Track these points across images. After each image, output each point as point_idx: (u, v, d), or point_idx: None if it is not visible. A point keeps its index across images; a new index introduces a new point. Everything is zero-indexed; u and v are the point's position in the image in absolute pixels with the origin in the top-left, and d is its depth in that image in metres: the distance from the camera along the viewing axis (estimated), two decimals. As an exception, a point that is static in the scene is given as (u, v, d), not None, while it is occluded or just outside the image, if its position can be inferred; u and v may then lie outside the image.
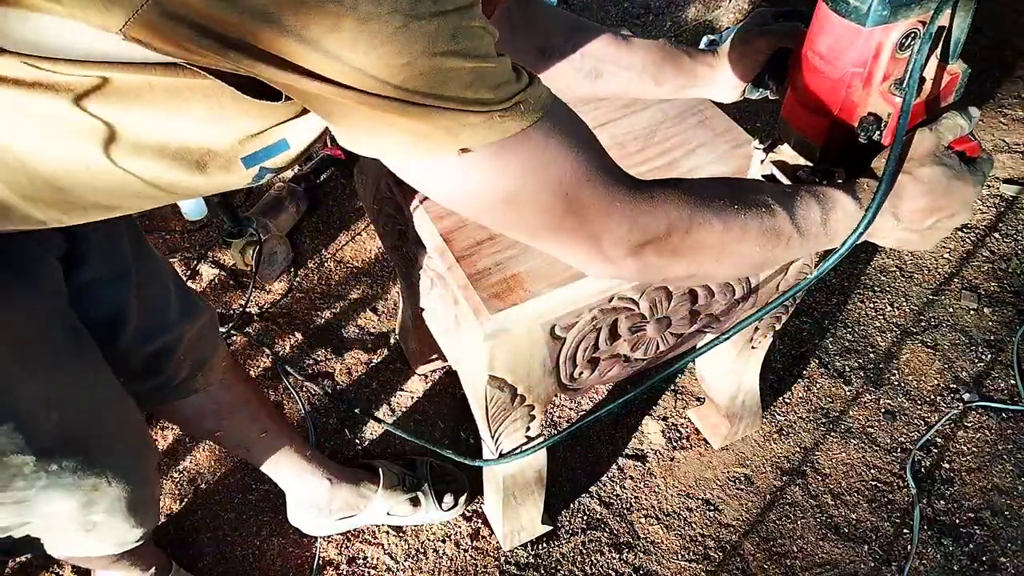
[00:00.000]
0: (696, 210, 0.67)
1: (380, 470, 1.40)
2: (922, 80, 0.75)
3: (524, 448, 1.12)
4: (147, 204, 0.70)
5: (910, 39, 0.70)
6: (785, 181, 0.85)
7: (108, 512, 0.92)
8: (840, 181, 0.79)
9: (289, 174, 2.08)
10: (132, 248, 0.95)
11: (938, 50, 0.73)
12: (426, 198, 1.02)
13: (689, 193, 0.67)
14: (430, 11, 0.49)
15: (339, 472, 1.36)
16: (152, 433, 1.54)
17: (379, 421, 1.57)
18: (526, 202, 0.61)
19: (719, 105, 1.12)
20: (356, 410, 1.59)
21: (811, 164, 0.83)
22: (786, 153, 0.86)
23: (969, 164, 0.73)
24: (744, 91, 0.94)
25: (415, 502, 1.38)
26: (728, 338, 0.85)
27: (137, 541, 1.01)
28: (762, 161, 0.88)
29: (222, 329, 1.72)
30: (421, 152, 0.55)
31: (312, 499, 1.34)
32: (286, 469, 1.29)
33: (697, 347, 1.39)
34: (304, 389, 1.62)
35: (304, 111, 0.62)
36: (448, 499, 1.39)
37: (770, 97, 0.94)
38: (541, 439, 1.15)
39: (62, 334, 0.83)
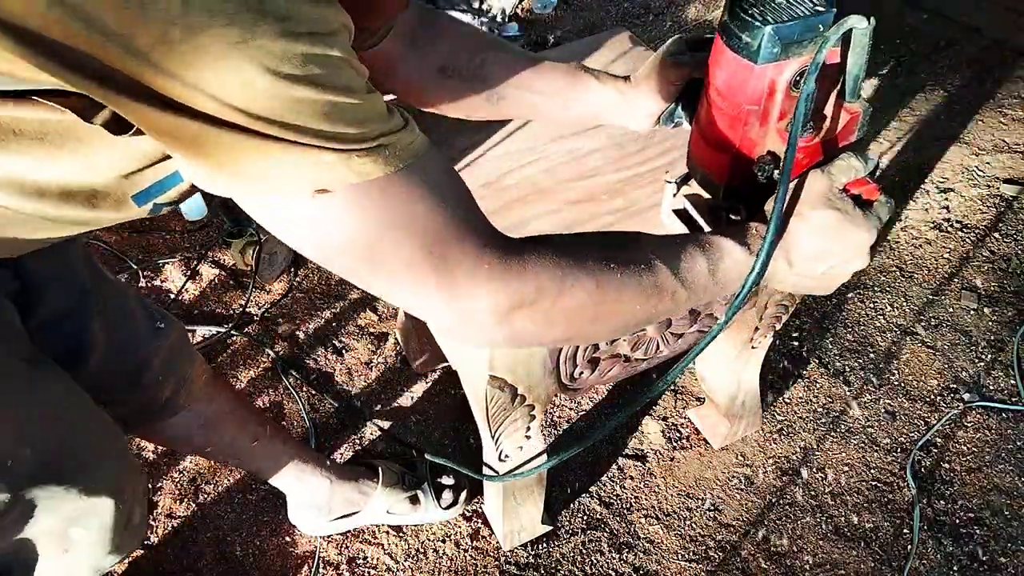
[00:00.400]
0: (568, 271, 0.63)
1: (379, 468, 1.40)
2: (823, 118, 0.73)
3: (525, 469, 1.12)
4: (67, 231, 0.68)
5: (804, 77, 0.67)
6: (696, 215, 0.83)
7: (88, 529, 0.90)
8: (737, 219, 0.78)
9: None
10: (89, 273, 0.93)
11: (837, 88, 0.72)
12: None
13: (562, 254, 0.64)
14: (274, 30, 0.44)
15: (338, 471, 1.36)
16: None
17: (380, 428, 1.57)
18: (387, 256, 0.56)
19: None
20: (356, 411, 1.59)
21: (717, 202, 0.81)
22: (699, 187, 0.84)
23: (866, 208, 0.70)
24: (659, 120, 0.92)
25: (414, 500, 1.38)
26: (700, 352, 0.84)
27: (111, 566, 0.99)
28: (674, 195, 0.86)
29: (222, 329, 1.72)
30: (271, 191, 0.51)
31: (312, 498, 1.34)
32: (284, 472, 1.28)
33: (696, 363, 1.39)
34: (304, 389, 1.62)
35: None
36: (447, 496, 1.39)
37: (685, 127, 0.91)
38: (544, 458, 1.15)
39: (24, 369, 0.80)
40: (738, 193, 0.78)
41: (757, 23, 0.66)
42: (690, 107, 0.87)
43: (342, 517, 1.36)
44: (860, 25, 0.64)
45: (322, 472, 1.32)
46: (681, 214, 0.85)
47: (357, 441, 1.55)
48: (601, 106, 0.92)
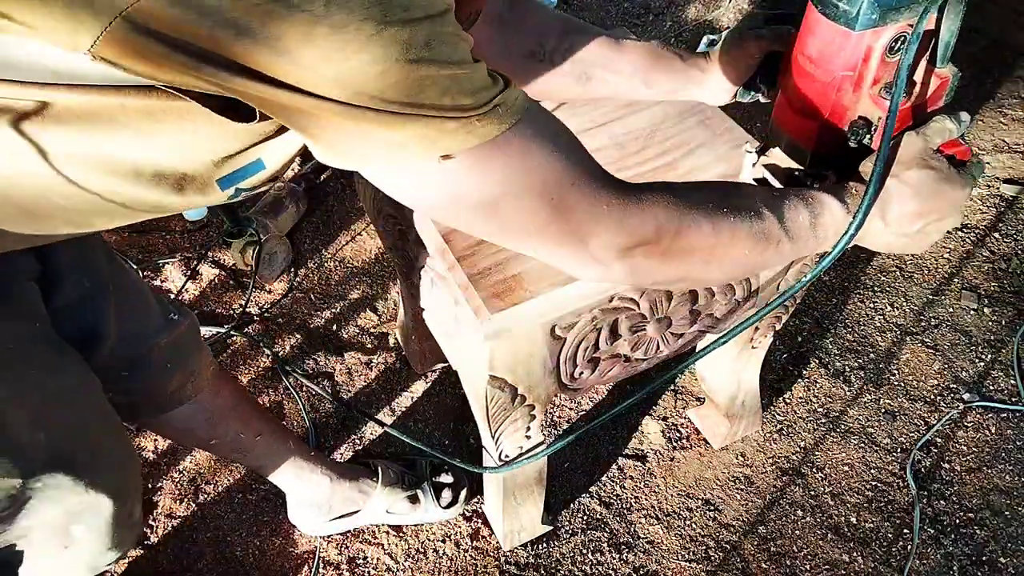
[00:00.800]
0: (685, 213, 0.67)
1: (379, 468, 1.40)
2: (912, 84, 0.74)
3: (526, 455, 1.12)
4: (118, 222, 0.70)
5: (900, 43, 0.70)
6: (777, 185, 0.85)
7: (90, 526, 0.90)
8: (830, 184, 0.79)
9: (289, 174, 2.08)
10: (106, 262, 0.94)
11: (927, 54, 0.73)
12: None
13: (678, 196, 0.67)
14: (402, 18, 0.49)
15: (338, 469, 1.36)
16: (149, 436, 1.54)
17: (380, 424, 1.57)
18: (511, 207, 0.61)
19: (720, 105, 1.12)
20: (356, 410, 1.59)
21: (802, 168, 0.83)
22: (778, 156, 0.86)
23: (959, 168, 0.73)
24: (736, 94, 0.94)
25: (414, 499, 1.38)
26: (725, 342, 0.85)
27: (108, 565, 0.99)
28: (754, 164, 0.88)
29: (221, 329, 1.72)
30: (401, 161, 0.55)
31: (312, 497, 1.34)
32: (285, 470, 1.29)
33: (697, 350, 1.39)
34: (304, 389, 1.62)
35: (280, 130, 0.61)
36: (447, 494, 1.39)
37: (761, 100, 0.94)
38: (543, 446, 1.15)
39: (46, 353, 0.82)
40: (825, 160, 0.80)
41: None
42: (767, 80, 0.89)
43: (342, 517, 1.36)
44: None
45: (322, 470, 1.32)
46: (761, 183, 0.86)
47: (357, 441, 1.55)
48: (682, 83, 0.95)
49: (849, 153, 0.77)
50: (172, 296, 1.79)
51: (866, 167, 0.74)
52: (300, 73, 0.49)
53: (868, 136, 0.75)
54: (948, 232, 1.86)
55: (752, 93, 0.93)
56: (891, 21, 0.69)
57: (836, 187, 0.75)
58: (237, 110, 0.55)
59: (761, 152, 0.87)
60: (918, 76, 0.75)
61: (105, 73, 0.50)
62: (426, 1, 0.51)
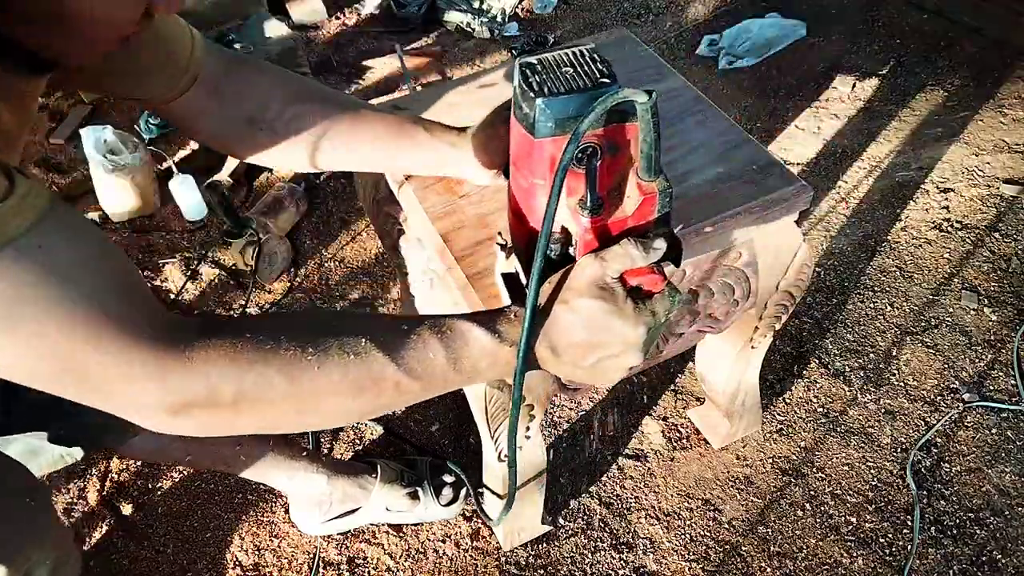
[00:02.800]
0: (250, 368, 0.57)
1: (379, 465, 1.40)
2: (619, 197, 0.67)
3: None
4: None
5: (587, 154, 0.62)
6: (525, 281, 0.77)
7: None
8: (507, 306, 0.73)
9: (289, 174, 2.08)
10: None
11: (636, 165, 0.65)
12: (427, 198, 1.02)
13: (244, 347, 0.57)
14: None
15: (335, 466, 1.36)
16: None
17: (381, 425, 1.57)
18: (10, 364, 0.51)
19: (719, 104, 1.12)
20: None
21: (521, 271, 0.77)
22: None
23: (642, 301, 0.64)
24: (501, 174, 0.89)
25: (414, 497, 1.38)
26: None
27: None
28: (506, 258, 0.82)
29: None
30: None
31: (311, 495, 1.33)
32: (273, 475, 1.28)
33: (696, 363, 1.39)
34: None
35: None
36: (447, 492, 1.39)
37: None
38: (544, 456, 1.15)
39: None
40: (549, 264, 0.70)
41: (532, 94, 0.60)
42: None
43: (342, 516, 1.36)
44: (639, 100, 0.58)
45: (317, 468, 1.31)
46: (509, 278, 0.79)
47: (357, 441, 1.55)
48: (432, 159, 0.90)
49: (555, 264, 0.69)
50: (172, 297, 1.79)
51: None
52: None
53: (570, 248, 0.68)
54: (948, 232, 1.86)
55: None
56: (571, 131, 0.60)
57: (490, 313, 0.67)
58: None
59: (512, 248, 0.81)
60: (624, 190, 0.67)
61: None
62: None
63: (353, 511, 1.37)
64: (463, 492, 1.41)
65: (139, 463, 1.52)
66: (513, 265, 0.79)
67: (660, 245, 0.64)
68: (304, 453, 1.31)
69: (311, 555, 1.39)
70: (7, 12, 0.53)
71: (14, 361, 0.51)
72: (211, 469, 1.19)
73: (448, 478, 1.42)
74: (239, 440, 1.19)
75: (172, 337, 0.56)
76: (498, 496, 1.23)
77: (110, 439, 1.05)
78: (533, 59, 0.63)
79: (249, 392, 0.58)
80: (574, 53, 0.63)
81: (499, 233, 0.86)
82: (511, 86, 1.13)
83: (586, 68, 0.62)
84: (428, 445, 1.53)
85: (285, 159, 0.88)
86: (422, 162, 0.90)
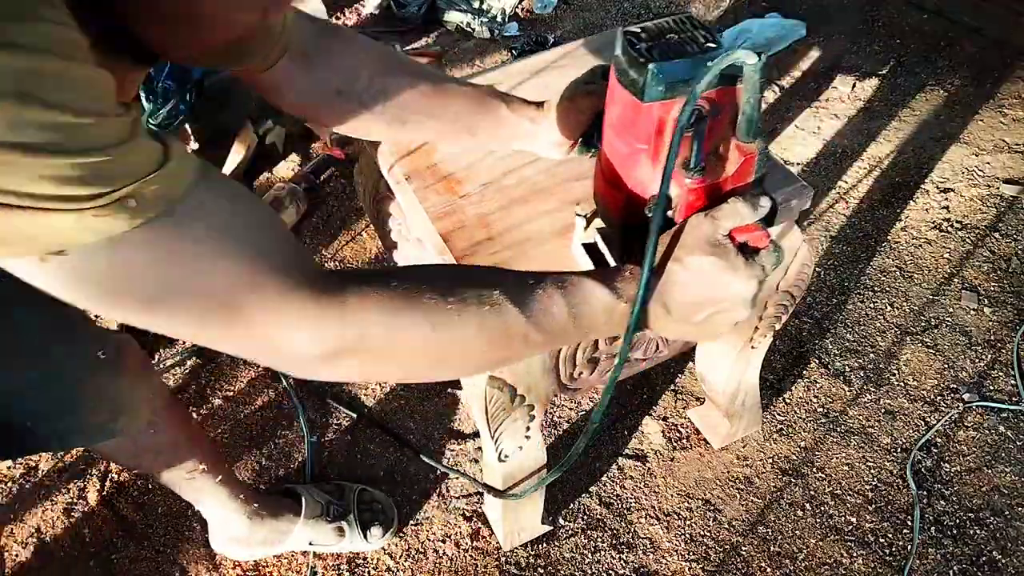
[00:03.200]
0: (398, 314, 0.59)
1: (304, 498, 1.37)
2: (713, 160, 0.69)
3: (528, 487, 1.12)
4: None
5: (696, 116, 0.64)
6: (605, 250, 0.80)
7: None
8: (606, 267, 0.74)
9: (289, 174, 2.08)
10: (10, 301, 0.84)
11: (736, 128, 0.67)
12: (427, 198, 1.02)
13: (391, 294, 0.59)
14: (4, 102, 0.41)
15: (261, 506, 1.33)
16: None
17: (380, 429, 1.57)
18: (167, 310, 0.52)
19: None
20: (353, 409, 1.59)
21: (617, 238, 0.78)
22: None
23: (750, 256, 0.67)
24: (575, 148, 0.89)
25: (339, 531, 1.36)
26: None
27: None
28: (585, 228, 0.83)
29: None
30: (7, 255, 0.47)
31: (232, 533, 1.32)
32: (209, 504, 1.27)
33: (697, 363, 1.39)
34: (302, 389, 1.62)
35: None
36: (375, 531, 1.37)
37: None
38: (544, 457, 1.15)
39: None
40: (636, 230, 0.73)
41: (643, 59, 0.63)
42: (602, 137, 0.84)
43: (262, 548, 1.35)
44: (749, 61, 0.60)
45: (244, 510, 1.29)
46: (590, 248, 0.81)
47: (356, 441, 1.55)
48: (510, 133, 0.90)
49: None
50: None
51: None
52: None
53: (670, 212, 0.70)
54: (948, 232, 1.86)
55: (590, 149, 0.88)
56: (682, 94, 0.63)
57: (608, 270, 0.69)
58: None
59: (593, 216, 0.83)
60: (723, 151, 0.69)
61: None
62: (52, 82, 0.43)
63: (274, 547, 1.35)
64: (393, 526, 1.39)
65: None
66: (592, 236, 0.81)
67: (766, 203, 0.67)
68: (240, 492, 1.28)
69: (311, 555, 1.38)
70: (132, 10, 0.54)
71: (185, 315, 0.53)
72: (158, 483, 1.18)
73: (377, 507, 1.40)
74: (192, 470, 1.17)
75: (326, 285, 0.57)
76: (498, 496, 1.23)
77: (72, 442, 1.03)
78: (636, 27, 0.66)
79: (397, 338, 0.59)
80: (676, 20, 0.66)
81: (577, 204, 0.87)
82: (511, 85, 1.13)
83: (691, 34, 0.65)
84: (428, 446, 1.53)
85: (369, 129, 0.89)
86: (500, 136, 0.91)
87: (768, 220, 0.69)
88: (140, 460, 1.11)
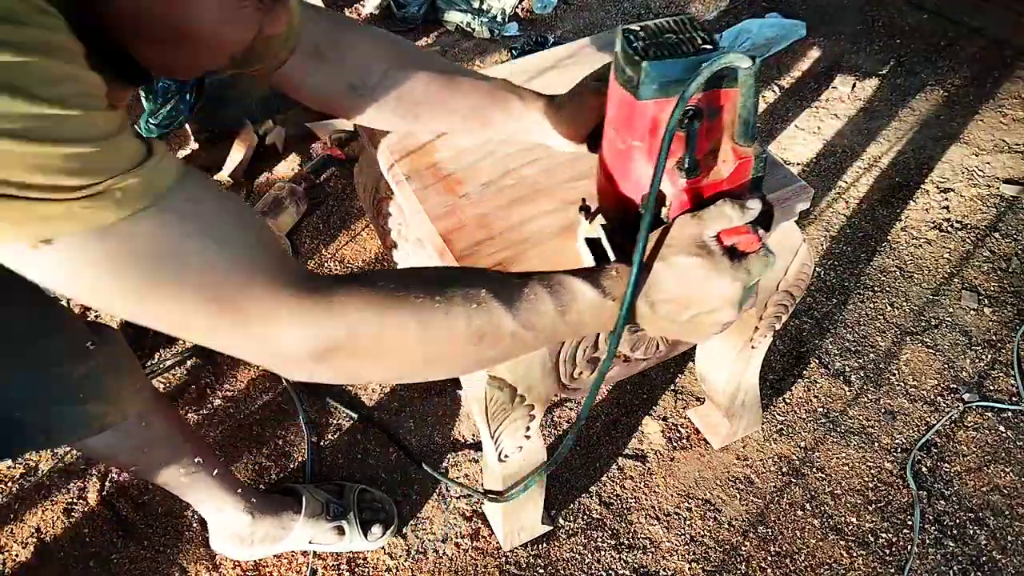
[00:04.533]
0: (386, 312, 0.60)
1: (304, 497, 1.37)
2: (708, 162, 0.69)
3: (518, 491, 1.12)
4: None
5: (689, 117, 0.65)
6: (607, 246, 0.80)
7: None
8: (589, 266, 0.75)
9: (289, 174, 2.08)
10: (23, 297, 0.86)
11: (732, 130, 0.68)
12: (427, 198, 1.02)
13: (379, 293, 0.60)
14: None
15: (262, 503, 1.33)
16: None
17: (379, 430, 1.57)
18: (158, 303, 0.53)
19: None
20: (353, 409, 1.59)
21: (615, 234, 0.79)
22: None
23: (738, 259, 0.67)
24: (586, 144, 0.90)
25: (339, 531, 1.36)
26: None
27: None
28: (590, 222, 0.84)
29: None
30: None
31: (232, 531, 1.32)
32: (208, 503, 1.26)
33: (697, 363, 1.39)
34: (302, 390, 1.62)
35: None
36: (376, 530, 1.37)
37: None
38: (545, 455, 1.15)
39: None
40: (630, 228, 0.73)
41: (638, 57, 0.63)
42: None
43: (262, 547, 1.35)
44: (743, 65, 0.60)
45: (244, 507, 1.29)
46: (593, 243, 0.82)
47: (354, 441, 1.55)
48: (523, 127, 0.91)
49: (650, 225, 0.70)
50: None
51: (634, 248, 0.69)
52: None
53: (664, 210, 0.71)
54: (948, 232, 1.87)
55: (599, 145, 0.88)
56: (676, 94, 0.64)
57: (595, 270, 0.70)
58: None
59: (596, 213, 0.83)
60: (719, 153, 0.69)
61: None
62: (41, 74, 0.45)
63: (274, 545, 1.35)
64: (393, 524, 1.39)
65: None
66: (596, 230, 0.81)
67: (754, 206, 0.67)
68: (238, 490, 1.29)
69: (311, 555, 1.38)
70: (130, 34, 0.56)
71: (174, 309, 0.54)
72: (152, 481, 1.18)
73: (376, 507, 1.40)
74: (188, 466, 1.17)
75: (315, 284, 0.58)
76: (498, 499, 1.23)
77: (62, 437, 1.01)
78: (635, 26, 0.66)
79: (386, 336, 0.60)
80: (676, 21, 0.66)
81: (583, 199, 0.88)
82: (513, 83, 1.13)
83: (688, 35, 0.65)
84: (428, 446, 1.53)
85: (384, 122, 0.90)
86: (512, 130, 0.92)
87: (765, 224, 0.69)
88: (136, 458, 1.11)
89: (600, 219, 0.82)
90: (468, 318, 0.62)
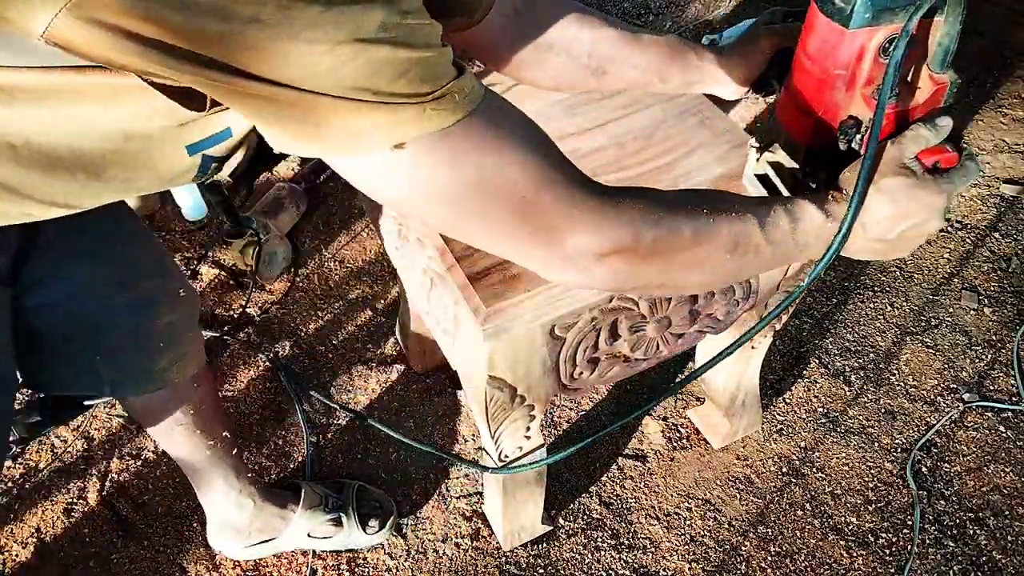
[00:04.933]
0: (664, 216, 0.65)
1: (303, 489, 1.38)
2: (906, 88, 0.74)
3: (527, 462, 1.12)
4: (106, 198, 0.71)
5: (894, 44, 0.70)
6: (777, 181, 0.85)
7: None
8: (811, 192, 0.79)
9: (289, 174, 2.08)
10: (122, 240, 0.94)
11: (926, 58, 0.73)
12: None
13: (657, 200, 0.66)
14: (355, 7, 0.48)
15: (264, 494, 1.34)
16: (148, 437, 1.54)
17: (382, 427, 1.57)
18: (476, 205, 0.59)
19: (719, 104, 1.12)
20: (352, 411, 1.59)
21: (798, 166, 0.83)
22: (781, 154, 0.86)
23: (941, 174, 0.73)
24: (750, 90, 0.95)
25: (337, 523, 1.36)
26: (731, 352, 0.84)
27: None
28: (757, 160, 0.88)
29: (217, 334, 1.72)
30: (354, 149, 0.54)
31: (233, 521, 1.32)
32: (218, 485, 1.27)
33: (698, 357, 1.39)
34: (303, 389, 1.62)
35: None
36: (373, 523, 1.37)
37: (775, 96, 0.94)
38: (544, 452, 1.15)
39: None
40: (819, 157, 0.80)
41: None
42: (780, 77, 0.90)
43: (260, 543, 1.35)
44: None
45: (249, 493, 1.30)
46: (763, 179, 0.87)
47: (354, 441, 1.55)
48: (699, 79, 0.95)
49: (840, 152, 0.77)
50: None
51: (845, 175, 0.75)
52: (248, 57, 0.47)
53: (858, 136, 0.76)
54: (948, 232, 1.87)
55: (763, 89, 0.94)
56: (885, 22, 0.69)
57: (817, 194, 0.75)
58: (191, 96, 0.55)
59: (764, 149, 0.88)
60: (913, 80, 0.75)
61: (65, 55, 0.50)
62: None
63: (271, 540, 1.35)
64: (391, 520, 1.39)
65: (139, 464, 1.52)
66: (763, 167, 0.86)
67: (945, 122, 0.73)
68: (245, 474, 1.29)
69: (309, 554, 1.38)
70: None
71: (492, 205, 0.59)
72: (176, 455, 1.20)
73: (375, 504, 1.40)
74: (217, 438, 1.20)
75: (603, 188, 0.64)
76: (500, 470, 1.23)
77: (131, 387, 1.07)
78: None
79: (663, 238, 0.65)
80: None
81: (753, 136, 0.93)
82: (510, 84, 1.13)
83: None
84: (427, 445, 1.53)
85: (574, 81, 0.93)
86: (688, 81, 0.95)
87: (954, 141, 0.74)
88: (176, 420, 1.13)
89: (768, 156, 0.86)
90: (729, 225, 0.68)
